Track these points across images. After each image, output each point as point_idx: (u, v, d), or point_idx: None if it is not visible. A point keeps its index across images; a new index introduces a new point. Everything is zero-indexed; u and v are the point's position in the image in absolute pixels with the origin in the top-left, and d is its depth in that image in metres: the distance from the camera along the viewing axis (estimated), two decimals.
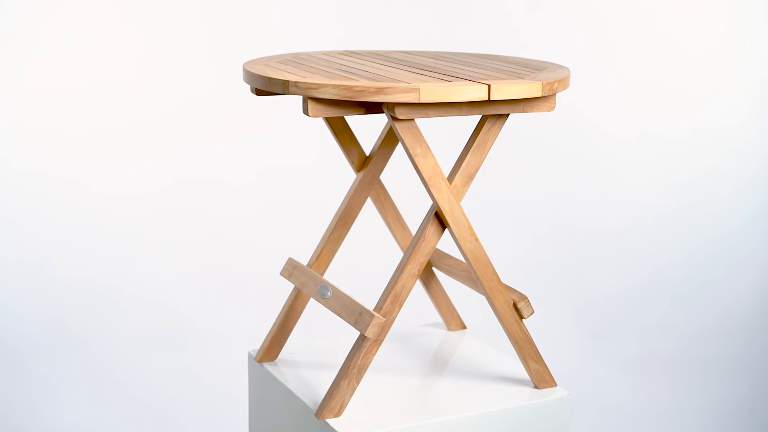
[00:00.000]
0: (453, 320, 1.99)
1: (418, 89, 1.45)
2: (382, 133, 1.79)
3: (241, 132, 2.84)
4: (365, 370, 1.60)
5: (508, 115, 1.61)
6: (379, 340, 1.60)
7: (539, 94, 1.52)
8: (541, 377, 1.72)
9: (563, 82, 1.58)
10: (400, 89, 1.45)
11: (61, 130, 2.78)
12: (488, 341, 1.94)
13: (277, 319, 1.82)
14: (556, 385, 1.73)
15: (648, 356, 2.76)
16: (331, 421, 1.59)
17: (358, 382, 1.60)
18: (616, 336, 2.80)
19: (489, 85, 1.48)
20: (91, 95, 2.78)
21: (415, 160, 1.55)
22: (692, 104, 2.94)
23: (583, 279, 2.87)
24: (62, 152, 2.78)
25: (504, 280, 2.23)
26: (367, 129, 2.11)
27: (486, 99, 1.48)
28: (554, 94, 1.59)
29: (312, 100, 1.52)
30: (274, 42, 2.73)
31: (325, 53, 1.81)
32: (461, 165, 1.60)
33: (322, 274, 1.81)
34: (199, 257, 2.78)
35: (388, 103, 1.49)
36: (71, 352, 2.64)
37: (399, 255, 1.95)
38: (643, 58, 2.95)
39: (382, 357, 1.83)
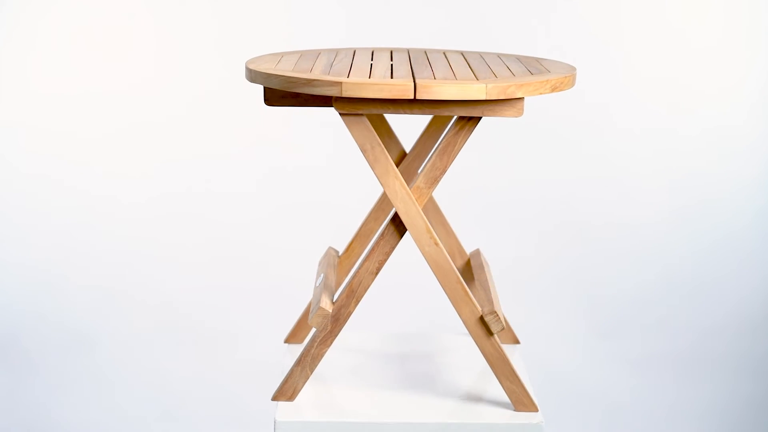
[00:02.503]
0: (504, 333, 1.92)
1: (341, 84, 1.46)
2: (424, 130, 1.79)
3: (250, 134, 2.80)
4: (319, 360, 1.63)
5: (479, 118, 1.55)
6: (333, 332, 1.62)
7: (482, 98, 1.46)
8: (517, 399, 1.63)
9: (528, 87, 1.49)
10: (324, 83, 1.47)
11: (70, 132, 2.78)
12: (531, 358, 1.86)
13: (309, 303, 1.89)
14: (536, 409, 1.63)
15: (656, 354, 2.75)
16: (281, 404, 1.64)
17: (311, 371, 1.64)
18: (624, 333, 2.77)
19: (415, 84, 1.45)
20: (99, 98, 2.78)
21: (365, 156, 1.55)
22: (703, 100, 2.79)
23: (591, 276, 2.79)
24: (72, 155, 2.79)
25: (512, 277, 2.10)
26: (407, 126, 2.07)
27: (412, 98, 1.45)
28: (519, 99, 1.51)
29: (267, 89, 1.58)
30: (284, 43, 2.68)
31: (377, 49, 1.84)
32: (426, 166, 1.58)
33: (351, 267, 1.85)
34: (207, 260, 2.79)
35: (334, 97, 1.51)
36: (79, 354, 2.70)
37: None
38: (656, 54, 2.77)
39: (396, 357, 1.83)
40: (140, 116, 2.77)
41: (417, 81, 1.46)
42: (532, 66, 1.66)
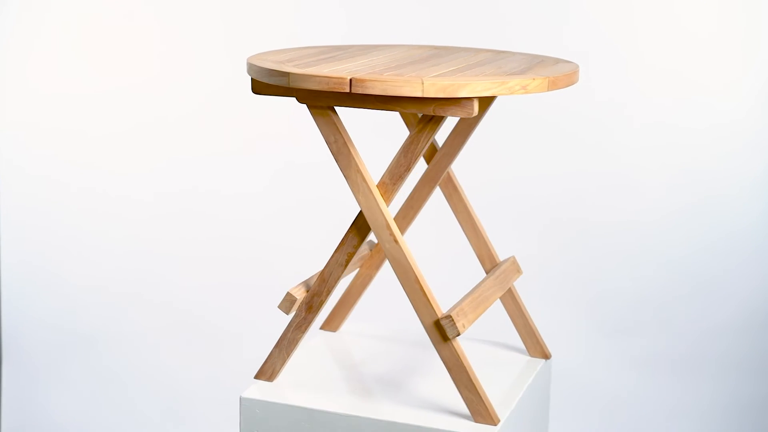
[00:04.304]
0: (533, 346, 1.85)
1: (288, 75, 1.50)
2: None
3: (257, 131, 2.72)
4: (295, 344, 1.68)
5: (443, 118, 1.53)
6: (307, 319, 1.66)
7: (418, 95, 1.44)
8: (475, 409, 1.58)
9: (475, 86, 1.44)
10: (276, 73, 1.52)
11: (73, 131, 2.75)
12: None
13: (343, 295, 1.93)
14: (494, 422, 1.57)
15: (658, 352, 2.71)
16: (257, 382, 1.71)
17: (288, 354, 1.69)
18: (625, 331, 2.73)
19: (351, 79, 1.46)
20: (105, 96, 2.74)
21: (330, 148, 1.57)
22: (710, 95, 2.68)
23: (592, 274, 2.73)
24: (76, 154, 2.76)
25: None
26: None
27: (347, 91, 1.46)
28: (468, 99, 1.46)
29: (253, 80, 1.65)
30: (293, 41, 2.59)
31: (411, 47, 1.84)
32: (391, 163, 1.58)
33: (379, 264, 1.87)
34: (214, 258, 2.74)
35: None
36: (83, 353, 2.73)
37: (463, 256, 1.86)
38: (660, 47, 2.67)
39: (390, 352, 1.84)
40: (145, 115, 2.77)
41: (354, 75, 1.46)
42: (536, 66, 1.60)
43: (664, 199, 2.69)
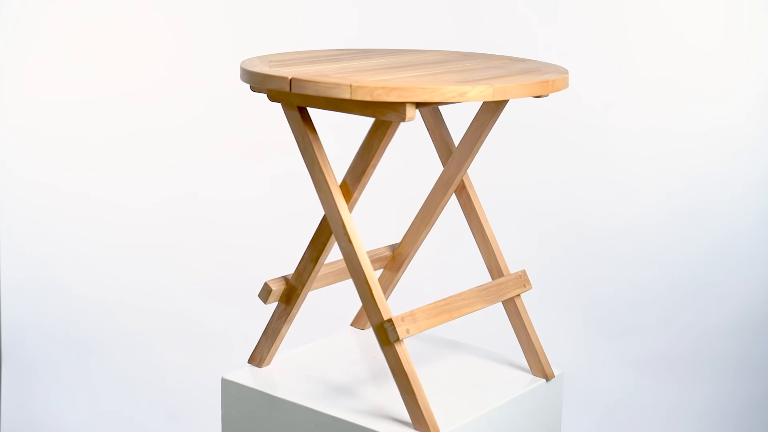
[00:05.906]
0: (534, 365, 1.79)
1: (249, 73, 1.58)
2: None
3: (258, 138, 2.67)
4: (279, 333, 1.75)
5: (390, 122, 1.55)
6: (287, 310, 1.73)
7: (346, 97, 1.46)
8: (414, 415, 1.57)
9: (406, 93, 1.44)
10: (247, 72, 1.60)
11: (73, 137, 2.71)
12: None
13: None
14: (430, 431, 1.56)
15: (656, 354, 2.74)
16: (246, 366, 1.79)
17: (273, 342, 1.76)
18: (624, 334, 2.75)
19: (291, 79, 1.51)
20: (104, 102, 2.69)
21: (298, 147, 1.63)
22: (705, 101, 2.75)
23: (591, 277, 2.78)
24: (74, 161, 2.71)
25: None
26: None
27: (287, 90, 1.51)
28: (401, 103, 1.47)
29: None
30: (293, 44, 2.49)
31: (432, 52, 1.84)
32: (351, 164, 1.61)
33: (400, 266, 1.89)
34: (209, 263, 2.71)
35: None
36: (82, 358, 2.68)
37: (474, 260, 1.82)
38: (656, 54, 2.74)
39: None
40: (143, 122, 2.76)
41: (294, 75, 1.51)
42: (514, 74, 1.56)
43: (663, 203, 2.70)
